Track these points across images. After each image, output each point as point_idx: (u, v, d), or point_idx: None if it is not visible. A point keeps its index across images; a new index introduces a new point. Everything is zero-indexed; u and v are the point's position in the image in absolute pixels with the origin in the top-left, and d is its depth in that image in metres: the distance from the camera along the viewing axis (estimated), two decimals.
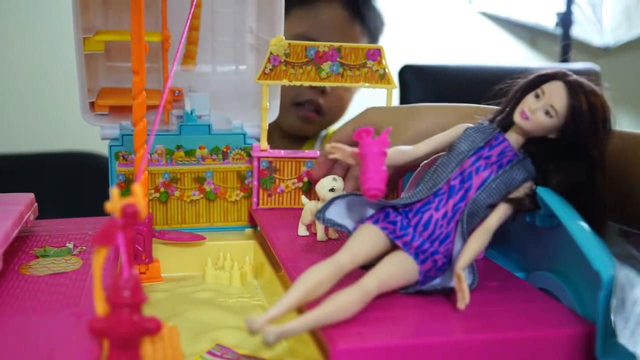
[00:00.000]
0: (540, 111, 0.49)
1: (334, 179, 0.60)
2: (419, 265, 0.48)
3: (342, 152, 0.52)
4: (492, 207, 0.50)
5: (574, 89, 0.49)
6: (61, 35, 1.45)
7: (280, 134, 1.31)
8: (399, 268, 0.48)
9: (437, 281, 0.50)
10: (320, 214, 0.53)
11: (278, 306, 0.43)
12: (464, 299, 0.47)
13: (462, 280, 0.47)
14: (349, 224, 0.53)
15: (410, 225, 0.50)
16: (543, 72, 0.51)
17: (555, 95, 0.49)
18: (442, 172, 0.51)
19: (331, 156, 0.53)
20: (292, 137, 1.32)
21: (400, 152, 0.53)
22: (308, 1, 1.24)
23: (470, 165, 0.50)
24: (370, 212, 0.52)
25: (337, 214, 0.53)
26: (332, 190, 0.59)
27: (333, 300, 0.44)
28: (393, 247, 0.50)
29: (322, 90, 1.26)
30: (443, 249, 0.50)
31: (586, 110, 0.48)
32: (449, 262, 0.50)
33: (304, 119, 1.28)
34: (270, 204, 0.72)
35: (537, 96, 0.49)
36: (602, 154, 0.50)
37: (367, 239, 0.50)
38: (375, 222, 0.50)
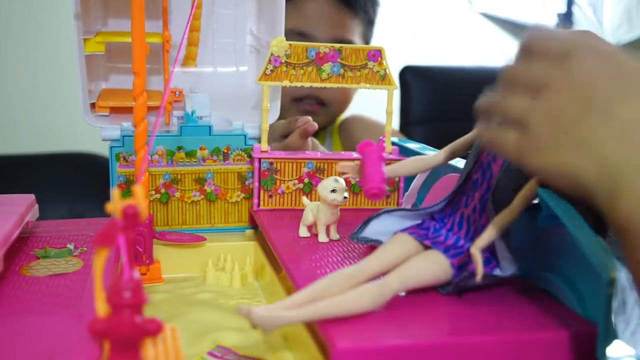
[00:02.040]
0: None
1: (335, 180, 0.60)
2: (450, 259, 0.49)
3: (350, 168, 0.56)
4: (517, 191, 0.50)
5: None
6: (62, 36, 1.45)
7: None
8: (425, 263, 0.49)
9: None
10: (354, 235, 0.55)
11: (288, 299, 0.43)
12: (479, 273, 0.46)
13: (474, 256, 0.46)
14: (383, 239, 0.53)
15: (444, 228, 0.51)
16: None
17: None
18: (463, 170, 0.52)
19: (345, 176, 0.57)
20: None
21: (421, 160, 0.55)
22: None
23: (487, 156, 0.51)
24: (406, 225, 0.53)
25: (373, 232, 0.55)
26: (333, 191, 0.59)
27: (345, 294, 0.44)
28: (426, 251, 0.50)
29: None
30: None
31: None
32: (493, 254, 0.50)
33: (306, 113, 1.22)
34: (271, 205, 0.72)
35: None
36: None
37: (396, 245, 0.50)
38: (405, 230, 0.51)
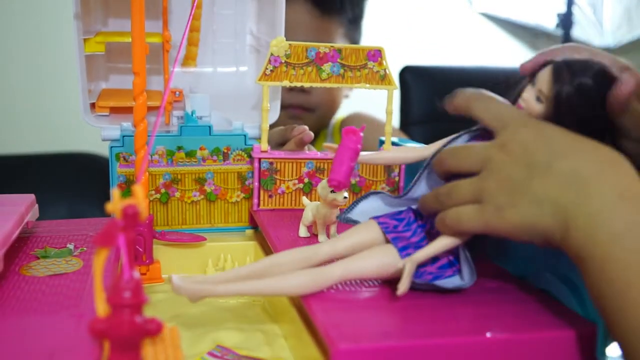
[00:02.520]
0: (532, 98, 0.49)
1: None
2: (404, 258, 0.48)
3: (333, 150, 0.56)
4: None
5: (558, 71, 0.47)
6: (62, 36, 1.45)
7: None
8: (374, 258, 0.49)
9: (448, 280, 0.49)
10: (341, 215, 0.55)
11: (222, 274, 0.45)
12: (402, 287, 0.46)
13: (405, 270, 0.46)
14: (365, 219, 0.54)
15: (417, 223, 0.51)
16: (542, 59, 0.50)
17: (543, 80, 0.48)
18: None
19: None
20: None
21: (408, 150, 0.56)
22: None
23: None
24: (391, 209, 0.53)
25: (359, 213, 0.55)
26: (333, 191, 0.59)
27: (281, 275, 0.45)
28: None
29: (302, 90, 1.20)
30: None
31: (571, 93, 0.46)
32: (458, 260, 0.50)
33: (292, 117, 1.23)
34: (271, 204, 0.72)
35: (533, 84, 0.49)
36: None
37: (359, 232, 0.51)
38: (378, 218, 0.51)
